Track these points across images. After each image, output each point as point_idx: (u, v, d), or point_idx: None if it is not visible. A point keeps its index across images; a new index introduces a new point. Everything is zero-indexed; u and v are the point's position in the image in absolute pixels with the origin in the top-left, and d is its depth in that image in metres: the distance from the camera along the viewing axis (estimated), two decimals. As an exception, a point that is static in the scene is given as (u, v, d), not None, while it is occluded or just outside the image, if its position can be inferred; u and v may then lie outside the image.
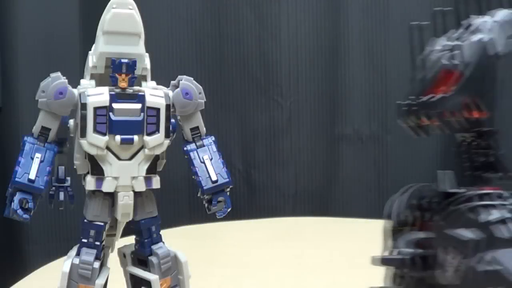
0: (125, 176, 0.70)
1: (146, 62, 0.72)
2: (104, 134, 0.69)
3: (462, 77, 0.59)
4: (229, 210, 0.76)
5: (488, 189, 0.62)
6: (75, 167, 0.72)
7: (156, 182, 0.73)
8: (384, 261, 0.66)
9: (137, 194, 0.72)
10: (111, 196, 0.72)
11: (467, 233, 0.55)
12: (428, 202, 0.69)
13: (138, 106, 0.70)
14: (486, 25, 0.61)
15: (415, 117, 0.63)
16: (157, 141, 0.71)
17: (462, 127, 0.62)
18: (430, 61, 0.62)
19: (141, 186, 0.71)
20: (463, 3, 0.65)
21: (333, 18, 1.61)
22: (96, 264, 0.70)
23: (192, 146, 0.76)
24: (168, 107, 0.71)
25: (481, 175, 0.63)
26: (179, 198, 1.57)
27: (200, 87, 0.75)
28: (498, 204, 0.56)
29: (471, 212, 0.57)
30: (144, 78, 0.72)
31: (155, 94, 0.71)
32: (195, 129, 0.76)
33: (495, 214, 0.55)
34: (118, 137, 0.69)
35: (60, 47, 1.48)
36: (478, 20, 0.63)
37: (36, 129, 0.71)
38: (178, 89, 0.73)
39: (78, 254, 0.70)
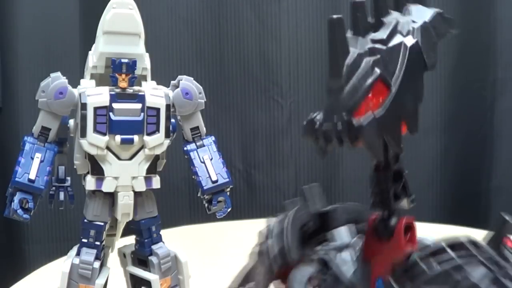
0: (125, 176, 0.70)
1: (146, 62, 0.72)
2: (104, 134, 0.69)
3: (390, 92, 0.48)
4: (229, 210, 0.76)
5: (408, 219, 0.54)
6: (75, 167, 0.72)
7: (156, 182, 0.73)
8: None
9: (137, 194, 0.72)
10: (111, 196, 0.72)
11: None
12: (313, 230, 0.58)
13: (138, 106, 0.70)
14: (411, 26, 0.50)
15: (336, 141, 0.49)
16: (157, 141, 0.71)
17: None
18: (359, 68, 0.48)
19: (141, 186, 0.71)
20: None
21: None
22: (96, 264, 0.70)
23: (192, 146, 0.76)
24: (168, 107, 0.71)
25: (394, 203, 0.54)
26: (179, 198, 1.57)
27: (200, 87, 0.75)
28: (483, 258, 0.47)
29: (457, 271, 0.47)
30: (144, 78, 0.72)
31: (155, 94, 0.71)
32: (195, 129, 0.76)
33: (483, 273, 0.46)
34: (118, 137, 0.69)
35: (60, 47, 1.48)
36: (400, 18, 0.51)
37: (36, 129, 0.71)
38: (178, 89, 0.73)
39: (78, 254, 0.70)
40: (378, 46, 0.49)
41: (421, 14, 0.51)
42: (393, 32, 0.50)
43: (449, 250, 0.49)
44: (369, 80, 0.48)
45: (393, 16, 0.51)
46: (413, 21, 0.50)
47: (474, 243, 0.49)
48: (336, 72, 0.48)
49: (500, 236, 0.49)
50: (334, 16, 0.48)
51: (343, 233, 0.57)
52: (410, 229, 0.54)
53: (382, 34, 0.50)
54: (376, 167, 0.54)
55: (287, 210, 0.58)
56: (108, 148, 0.69)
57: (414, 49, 0.48)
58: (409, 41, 0.49)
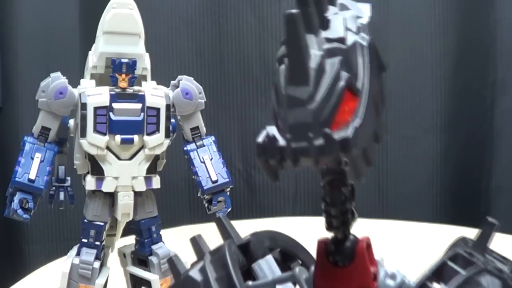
0: (125, 176, 0.70)
1: (146, 62, 0.72)
2: (104, 134, 0.69)
3: (358, 98, 0.41)
4: (229, 210, 0.76)
5: (366, 239, 0.49)
6: (75, 167, 0.72)
7: (156, 182, 0.73)
8: None
9: (137, 194, 0.72)
10: (111, 196, 0.72)
11: None
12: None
13: (138, 106, 0.70)
14: (359, 23, 0.44)
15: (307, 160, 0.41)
16: (157, 141, 0.71)
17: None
18: (325, 72, 0.41)
19: (141, 186, 0.71)
20: None
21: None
22: (96, 264, 0.70)
23: (192, 146, 0.76)
24: (168, 107, 0.71)
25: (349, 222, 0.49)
26: (179, 198, 1.57)
27: (200, 87, 0.75)
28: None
29: (468, 284, 0.45)
30: (144, 78, 0.72)
31: (155, 94, 0.71)
32: (195, 129, 0.76)
33: (492, 280, 0.45)
34: (118, 137, 0.69)
35: (60, 47, 1.48)
36: (342, 14, 0.44)
37: (36, 129, 0.71)
38: (178, 89, 0.73)
39: (78, 254, 0.70)
40: (337, 45, 0.42)
41: (359, 9, 0.46)
42: (346, 30, 0.44)
43: (452, 264, 0.47)
44: (340, 86, 0.41)
45: (333, 11, 0.45)
46: (358, 17, 0.45)
47: (469, 253, 0.48)
48: (303, 79, 0.40)
49: (486, 240, 0.48)
50: (293, 11, 0.40)
51: (267, 265, 0.52)
52: (368, 249, 0.49)
53: (336, 31, 0.43)
54: (330, 185, 0.48)
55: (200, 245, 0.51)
56: (108, 148, 0.69)
57: (371, 48, 0.43)
58: (364, 39, 0.43)
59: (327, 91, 0.40)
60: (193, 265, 0.49)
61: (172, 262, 0.49)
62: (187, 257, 0.76)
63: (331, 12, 0.44)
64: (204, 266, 0.47)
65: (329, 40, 0.42)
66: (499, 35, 1.56)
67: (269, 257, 0.52)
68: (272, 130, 0.42)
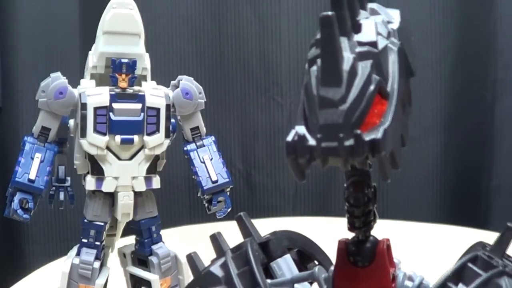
0: (125, 176, 0.70)
1: (146, 62, 0.72)
2: (104, 134, 0.69)
3: (387, 101, 0.42)
4: (229, 210, 0.76)
5: (386, 240, 0.50)
6: (75, 167, 0.72)
7: (156, 182, 0.73)
8: None
9: (137, 194, 0.72)
10: (111, 196, 0.72)
11: None
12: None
13: (138, 106, 0.70)
14: (390, 28, 0.45)
15: (336, 160, 0.42)
16: (157, 141, 0.71)
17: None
18: (357, 75, 0.42)
19: (141, 186, 0.71)
20: None
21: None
22: (96, 264, 0.70)
23: (192, 146, 0.76)
24: (168, 107, 0.71)
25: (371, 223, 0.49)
26: (179, 198, 1.57)
27: (200, 87, 0.75)
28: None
29: (486, 285, 0.47)
30: (144, 78, 0.72)
31: (155, 94, 0.71)
32: (195, 129, 0.76)
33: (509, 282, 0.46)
34: (118, 137, 0.69)
35: (60, 47, 1.48)
36: (374, 18, 0.46)
37: (36, 129, 0.71)
38: (178, 89, 0.73)
39: (78, 254, 0.71)
40: (369, 49, 0.44)
41: (389, 14, 0.47)
42: (377, 34, 0.45)
43: (473, 266, 0.48)
44: (372, 89, 0.42)
45: (364, 15, 0.46)
46: (389, 22, 0.46)
47: (488, 255, 0.49)
48: (336, 80, 0.41)
49: (505, 245, 0.49)
50: (328, 13, 0.41)
51: (285, 265, 0.54)
52: (387, 250, 0.50)
53: (368, 35, 0.45)
54: (354, 186, 0.49)
55: (220, 241, 0.52)
56: (108, 148, 0.69)
57: (400, 53, 0.45)
58: (394, 44, 0.45)
59: (358, 93, 0.41)
60: (213, 261, 0.50)
61: (192, 259, 0.50)
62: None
63: (362, 16, 0.45)
64: (226, 262, 0.48)
65: (361, 43, 0.43)
66: (499, 34, 1.56)
67: (288, 257, 0.53)
68: (302, 129, 0.42)
